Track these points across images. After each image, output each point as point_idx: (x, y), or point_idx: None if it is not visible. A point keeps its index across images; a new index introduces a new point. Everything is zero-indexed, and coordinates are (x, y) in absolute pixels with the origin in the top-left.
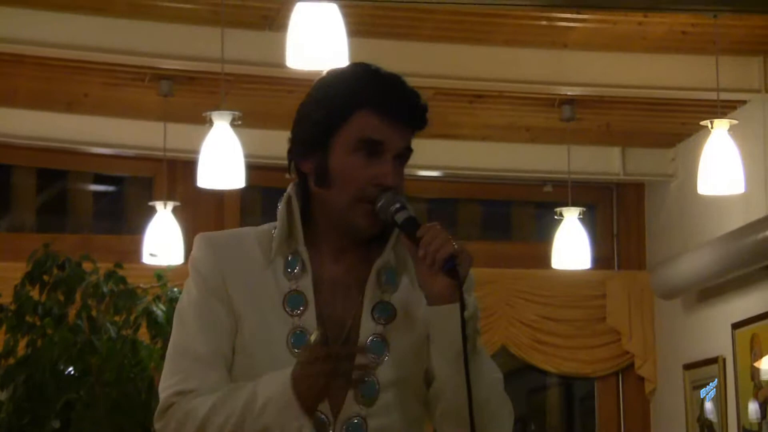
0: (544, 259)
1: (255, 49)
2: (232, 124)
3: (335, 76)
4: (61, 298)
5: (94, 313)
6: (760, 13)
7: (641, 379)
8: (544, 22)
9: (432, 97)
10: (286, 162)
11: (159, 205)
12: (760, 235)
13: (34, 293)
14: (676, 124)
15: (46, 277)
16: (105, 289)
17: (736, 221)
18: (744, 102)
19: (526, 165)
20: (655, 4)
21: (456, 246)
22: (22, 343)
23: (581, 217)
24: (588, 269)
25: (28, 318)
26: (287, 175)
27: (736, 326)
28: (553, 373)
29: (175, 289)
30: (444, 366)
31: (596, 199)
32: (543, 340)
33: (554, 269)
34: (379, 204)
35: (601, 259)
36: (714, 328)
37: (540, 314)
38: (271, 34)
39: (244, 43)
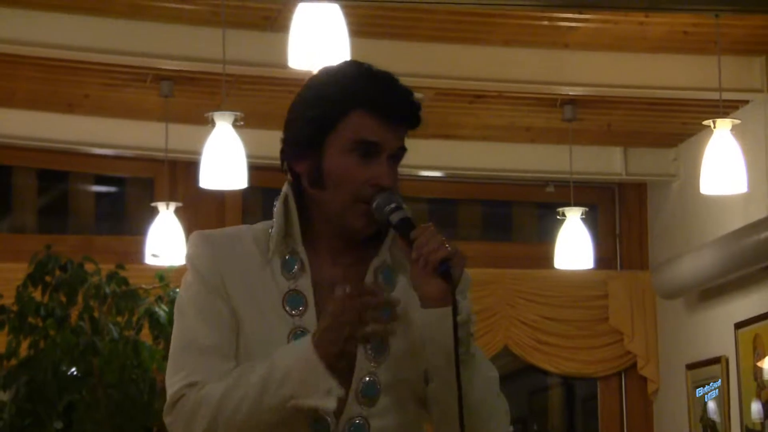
0: (545, 260)
1: (256, 49)
2: (234, 125)
3: (328, 75)
4: (63, 299)
5: (96, 314)
6: (761, 12)
7: (644, 379)
8: (545, 22)
9: (433, 98)
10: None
11: (161, 206)
12: (763, 235)
13: (36, 294)
14: (678, 124)
15: (48, 279)
16: (107, 290)
17: (738, 221)
18: (746, 102)
19: (528, 165)
20: (657, 4)
21: (450, 248)
22: (25, 345)
23: (583, 217)
24: (590, 269)
25: (30, 319)
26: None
27: (738, 326)
28: (555, 374)
29: (177, 290)
30: (438, 368)
31: (598, 200)
32: (545, 341)
33: (556, 270)
34: (375, 204)
35: (603, 260)
36: (716, 328)
37: (542, 315)
38: (271, 34)
39: (245, 44)
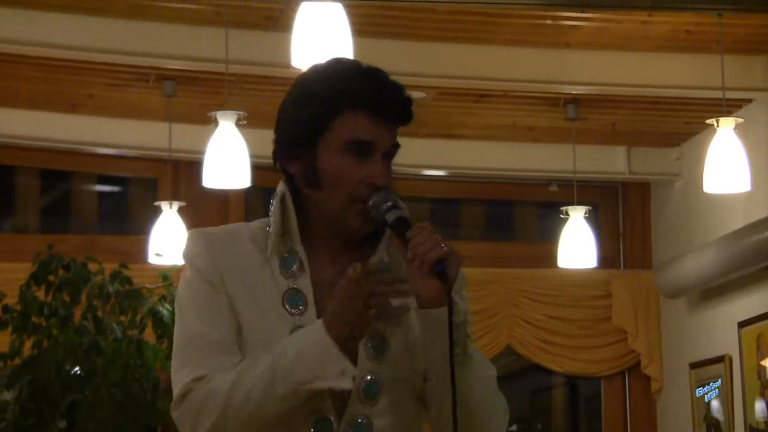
0: (548, 259)
1: (259, 49)
2: (237, 124)
3: (318, 74)
4: (67, 298)
5: (99, 313)
6: (764, 12)
7: (647, 378)
8: (548, 22)
9: (435, 97)
10: None
11: (164, 205)
12: (766, 234)
13: (40, 294)
14: (681, 123)
15: (51, 278)
16: (110, 290)
17: (741, 220)
18: (749, 101)
19: (530, 165)
20: (659, 3)
21: (445, 248)
22: (28, 344)
23: (586, 216)
24: (593, 269)
25: (33, 319)
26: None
27: (742, 325)
28: (559, 373)
29: None
30: (435, 368)
31: (601, 199)
32: (548, 340)
33: (559, 269)
34: (371, 203)
35: (606, 259)
36: (720, 326)
37: (545, 314)
38: (274, 34)
39: (248, 44)
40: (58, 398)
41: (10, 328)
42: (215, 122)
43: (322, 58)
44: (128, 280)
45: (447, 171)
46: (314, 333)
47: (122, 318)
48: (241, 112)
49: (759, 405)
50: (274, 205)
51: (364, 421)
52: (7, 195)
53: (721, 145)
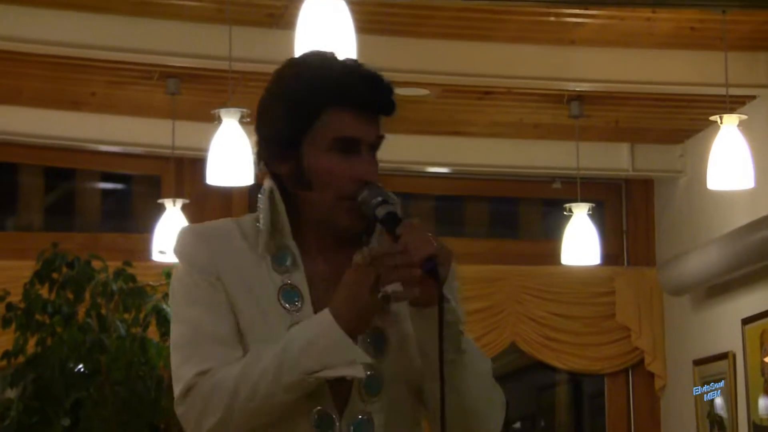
0: (552, 256)
1: (262, 46)
2: (241, 122)
3: (296, 71)
4: (71, 296)
5: (103, 311)
6: None
7: (651, 375)
8: (551, 19)
9: (440, 95)
10: None
11: (168, 203)
12: None
13: (44, 292)
14: (685, 119)
15: (55, 276)
16: (114, 288)
17: (745, 217)
18: (753, 97)
19: (534, 162)
20: None
21: (436, 245)
22: (32, 342)
23: (590, 213)
24: (597, 266)
25: (37, 316)
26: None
27: (745, 322)
28: (563, 370)
29: None
30: (430, 367)
31: (605, 196)
32: (552, 337)
33: (562, 266)
34: (361, 198)
35: (609, 256)
36: (723, 324)
37: (549, 311)
38: (278, 31)
39: (252, 41)
40: (61, 396)
41: (13, 326)
42: (219, 120)
43: None
44: (132, 278)
45: (451, 168)
46: (322, 322)
47: (126, 316)
48: (244, 110)
49: (762, 402)
50: (262, 202)
51: (365, 418)
52: (10, 193)
53: (724, 142)
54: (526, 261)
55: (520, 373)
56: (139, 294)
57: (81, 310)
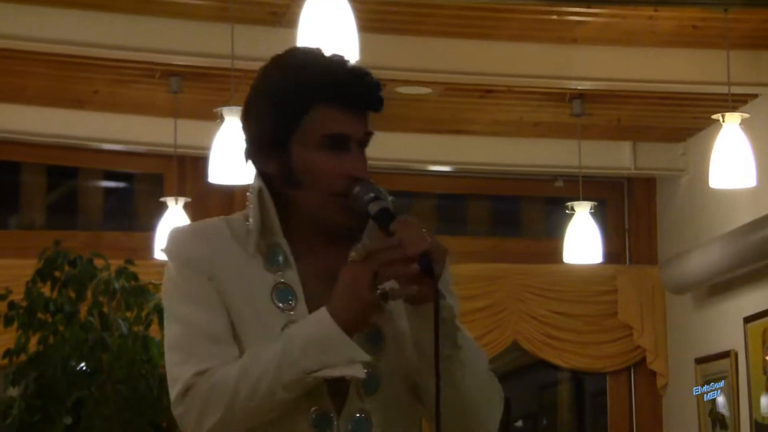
0: (554, 255)
1: (264, 45)
2: None
3: (283, 67)
4: (73, 295)
5: (105, 309)
6: None
7: (653, 373)
8: (553, 17)
9: (441, 93)
10: None
11: (170, 201)
12: None
13: (46, 290)
14: (687, 118)
15: (57, 274)
16: (116, 286)
17: (747, 215)
18: (755, 96)
19: (536, 160)
20: None
21: (430, 241)
22: (34, 340)
23: (592, 211)
24: (599, 264)
25: (39, 315)
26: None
27: (747, 320)
28: (565, 369)
29: None
30: (426, 365)
31: (607, 194)
32: (554, 336)
33: (564, 265)
34: (353, 194)
35: (612, 254)
36: (725, 322)
37: (551, 309)
38: (280, 29)
39: (254, 39)
40: (63, 394)
41: (15, 325)
42: (221, 118)
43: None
44: (134, 276)
45: (453, 167)
46: (320, 321)
47: (128, 314)
48: None
49: (764, 400)
50: (251, 201)
51: (362, 416)
52: (13, 191)
53: (726, 140)
54: (527, 259)
55: (521, 371)
56: (141, 292)
57: (83, 309)
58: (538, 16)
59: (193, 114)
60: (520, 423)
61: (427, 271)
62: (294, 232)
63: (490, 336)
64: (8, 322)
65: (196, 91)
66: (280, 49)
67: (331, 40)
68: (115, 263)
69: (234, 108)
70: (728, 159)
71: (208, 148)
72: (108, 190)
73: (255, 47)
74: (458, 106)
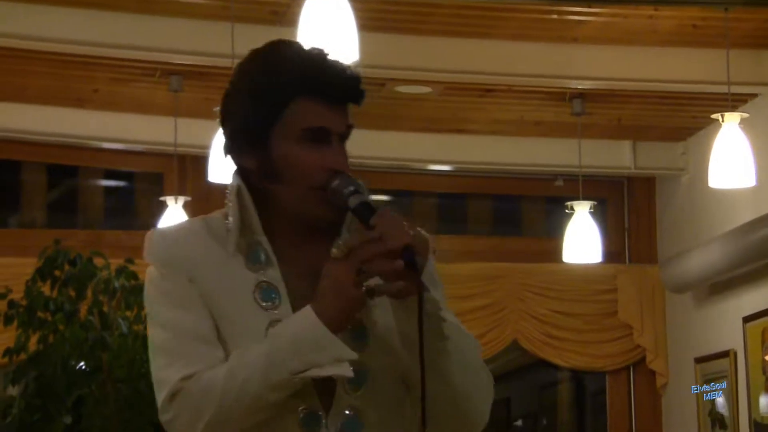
0: (554, 254)
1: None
2: None
3: (261, 62)
4: (73, 294)
5: (105, 308)
6: None
7: (653, 373)
8: (554, 16)
9: (442, 92)
10: None
11: (170, 200)
12: None
13: (46, 289)
14: (687, 117)
15: (57, 273)
16: (116, 285)
17: (747, 215)
18: (755, 95)
19: (537, 159)
20: None
21: (412, 233)
22: (34, 339)
23: (592, 211)
24: (599, 263)
25: (39, 314)
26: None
27: (747, 320)
28: (565, 368)
29: None
30: (413, 360)
31: (607, 194)
32: (554, 335)
33: (564, 264)
34: (332, 187)
35: (612, 254)
36: (725, 321)
37: (551, 309)
38: (280, 29)
39: (254, 39)
40: (63, 394)
41: (15, 323)
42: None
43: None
44: (134, 275)
45: (453, 166)
46: (306, 320)
47: (128, 313)
48: None
49: (763, 400)
50: (230, 199)
51: (351, 413)
52: (13, 190)
53: (726, 139)
54: (528, 258)
55: (521, 370)
56: (141, 291)
57: (83, 308)
58: (539, 15)
59: (194, 113)
60: (519, 422)
61: (410, 265)
62: (274, 230)
63: (490, 335)
64: (8, 320)
65: (197, 90)
66: None
67: (331, 39)
68: (115, 262)
69: None
70: (728, 158)
71: (208, 147)
72: (108, 189)
73: (255, 46)
74: (458, 105)
